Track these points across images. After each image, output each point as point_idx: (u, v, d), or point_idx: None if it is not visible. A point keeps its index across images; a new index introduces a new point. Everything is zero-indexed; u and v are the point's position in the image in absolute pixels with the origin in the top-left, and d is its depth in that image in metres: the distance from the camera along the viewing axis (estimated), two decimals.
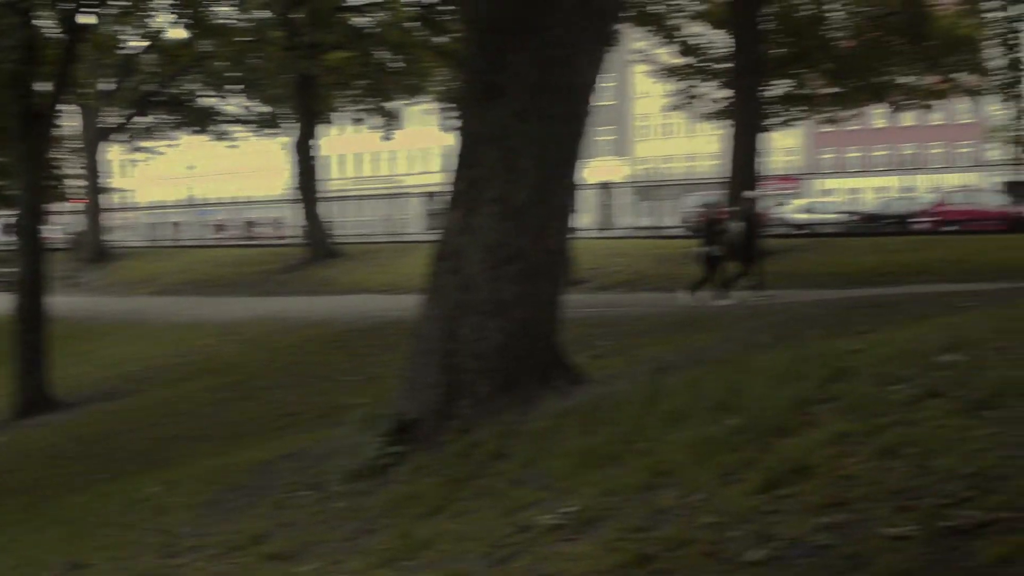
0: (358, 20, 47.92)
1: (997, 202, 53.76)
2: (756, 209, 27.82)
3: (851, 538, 5.82)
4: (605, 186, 65.19)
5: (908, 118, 73.85)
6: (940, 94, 45.99)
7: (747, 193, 29.78)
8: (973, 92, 46.97)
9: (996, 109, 54.38)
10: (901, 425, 7.35)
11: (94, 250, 60.13)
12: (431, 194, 63.86)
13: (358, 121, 55.34)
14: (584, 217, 55.19)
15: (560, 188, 12.13)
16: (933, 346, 9.45)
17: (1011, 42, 42.40)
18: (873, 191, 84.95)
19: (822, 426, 7.79)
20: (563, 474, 8.59)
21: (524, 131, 11.58)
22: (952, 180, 75.78)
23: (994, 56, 43.32)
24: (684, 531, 6.55)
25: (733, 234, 26.30)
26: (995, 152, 58.88)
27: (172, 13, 37.62)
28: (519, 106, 11.60)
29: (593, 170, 77.49)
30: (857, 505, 6.22)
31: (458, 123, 12.59)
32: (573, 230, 14.03)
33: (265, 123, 59.71)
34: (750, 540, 6.16)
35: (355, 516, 9.59)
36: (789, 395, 8.64)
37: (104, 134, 59.56)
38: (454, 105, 25.96)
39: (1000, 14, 42.28)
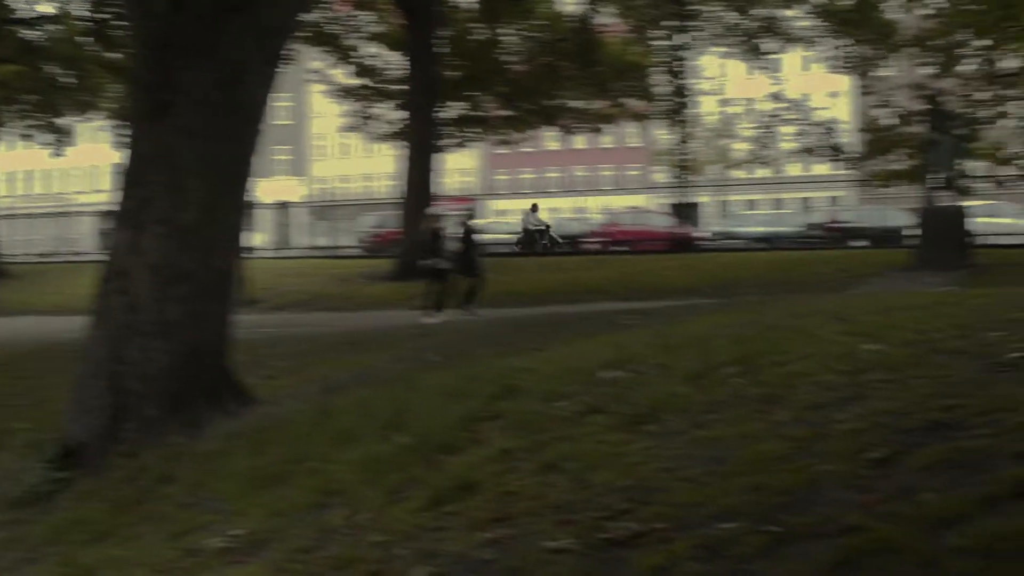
0: (28, 33, 46.35)
1: (664, 223, 55.63)
2: (473, 226, 27.66)
3: (513, 552, 5.92)
4: (282, 205, 64.57)
5: (580, 141, 75.75)
6: (609, 118, 47.27)
7: (465, 209, 29.82)
8: (641, 117, 48.41)
9: (662, 134, 56.14)
10: (564, 441, 7.54)
11: None
12: (103, 213, 62.20)
13: (27, 137, 53.51)
14: (259, 236, 54.68)
15: (230, 208, 12.01)
16: (597, 363, 9.73)
17: (676, 70, 43.90)
18: (546, 211, 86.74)
19: (488, 443, 7.93)
20: (232, 496, 8.50)
21: (192, 150, 11.43)
22: (621, 202, 77.92)
23: (660, 83, 44.75)
24: (351, 550, 6.56)
25: (452, 251, 26.09)
26: (662, 175, 60.78)
27: None
28: (187, 125, 11.45)
29: (269, 189, 77.11)
30: (520, 520, 6.34)
31: (128, 141, 12.34)
32: (247, 250, 13.88)
33: None
34: (416, 557, 6.21)
35: (17, 546, 9.27)
36: (457, 413, 8.77)
37: None
38: (126, 122, 25.60)
39: (666, 43, 43.75)
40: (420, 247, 26.95)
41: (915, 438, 6.36)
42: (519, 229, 52.37)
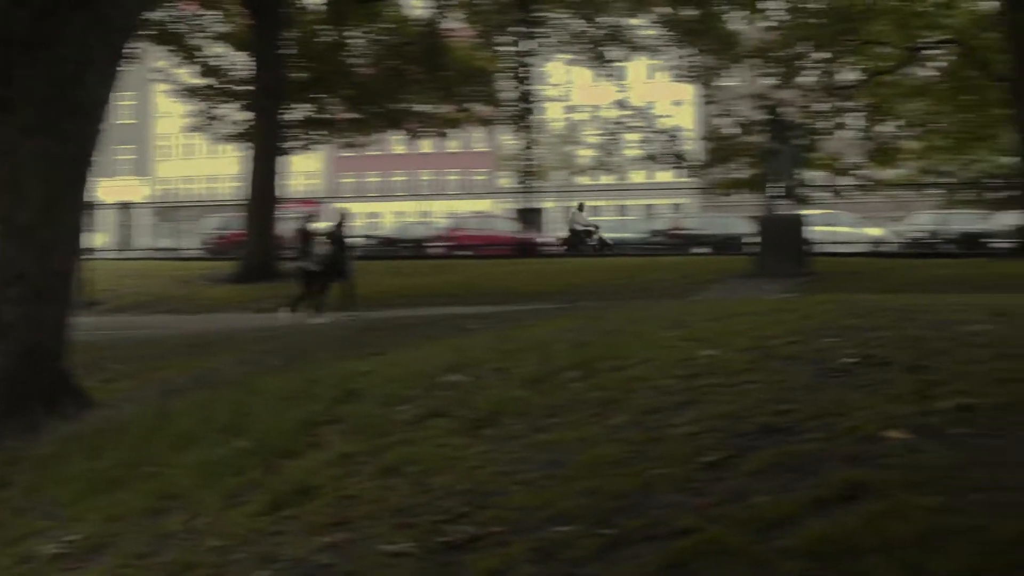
0: None
1: (508, 228, 55.74)
2: (344, 228, 27.48)
3: (352, 556, 5.93)
4: (124, 206, 63.38)
5: (426, 145, 75.66)
6: (455, 123, 47.26)
7: (337, 210, 29.65)
8: (487, 122, 48.53)
9: (508, 139, 56.34)
10: (404, 444, 7.57)
11: None
12: None
13: None
14: (100, 237, 53.62)
15: (69, 208, 11.84)
16: (439, 367, 9.78)
17: (522, 76, 44.15)
18: (392, 215, 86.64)
19: (328, 447, 7.93)
20: (68, 501, 8.37)
21: (31, 148, 11.25)
22: (467, 206, 77.99)
23: (506, 88, 44.97)
24: (189, 555, 6.51)
25: (324, 252, 26.09)
26: (507, 180, 60.99)
27: None
28: (26, 122, 11.26)
29: (111, 189, 75.90)
30: (359, 524, 6.35)
31: None
32: (87, 250, 13.68)
33: None
34: (254, 562, 6.18)
35: None
36: (297, 417, 8.75)
37: None
38: None
39: (512, 49, 43.98)
40: (291, 249, 26.93)
41: (749, 442, 6.49)
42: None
